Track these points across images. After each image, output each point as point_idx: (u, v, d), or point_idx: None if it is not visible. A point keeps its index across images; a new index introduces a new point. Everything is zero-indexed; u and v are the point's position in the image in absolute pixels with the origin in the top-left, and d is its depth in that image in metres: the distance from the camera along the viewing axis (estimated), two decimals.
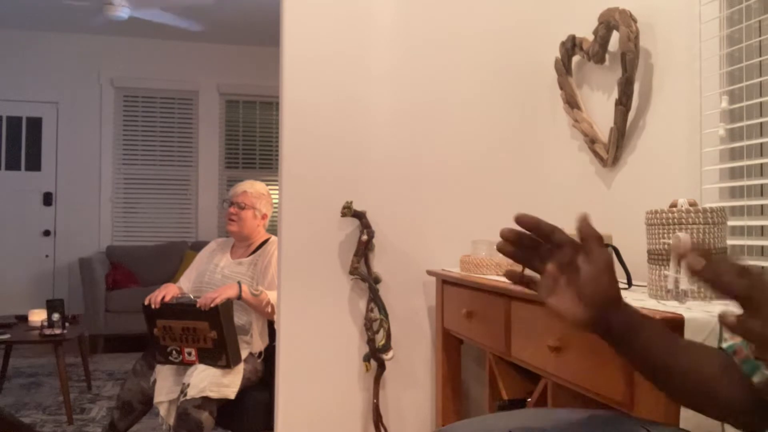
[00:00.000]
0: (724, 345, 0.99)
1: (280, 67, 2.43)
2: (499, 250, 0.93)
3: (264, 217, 3.02)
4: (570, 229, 1.70)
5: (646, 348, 0.90)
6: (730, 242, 1.59)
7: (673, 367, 0.90)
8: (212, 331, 2.62)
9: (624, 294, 1.58)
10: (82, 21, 6.04)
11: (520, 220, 0.89)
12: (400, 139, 2.50)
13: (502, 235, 0.91)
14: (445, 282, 2.33)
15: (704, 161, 1.81)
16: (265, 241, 2.99)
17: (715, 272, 0.72)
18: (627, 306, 0.90)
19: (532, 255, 0.92)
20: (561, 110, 2.51)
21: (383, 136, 2.49)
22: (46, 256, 6.43)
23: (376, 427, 2.42)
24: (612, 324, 0.89)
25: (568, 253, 0.88)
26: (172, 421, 2.63)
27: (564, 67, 2.43)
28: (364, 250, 2.42)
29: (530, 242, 0.91)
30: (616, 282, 0.89)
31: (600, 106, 2.30)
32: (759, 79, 1.69)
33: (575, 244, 0.88)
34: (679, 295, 1.43)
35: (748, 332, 0.72)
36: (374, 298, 2.42)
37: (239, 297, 2.71)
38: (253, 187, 3.02)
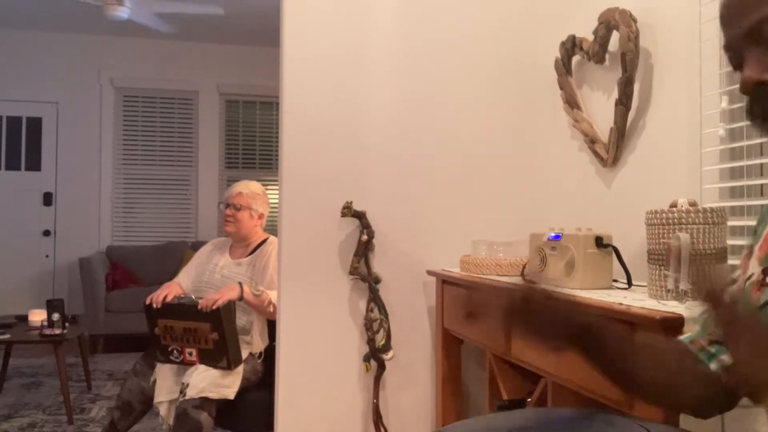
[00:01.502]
0: (683, 338, 1.04)
1: (280, 68, 2.43)
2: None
3: (261, 216, 3.02)
4: (570, 227, 1.69)
5: (609, 355, 0.99)
6: (730, 242, 1.59)
7: (632, 372, 0.99)
8: (213, 333, 2.62)
9: (624, 294, 1.58)
10: (82, 21, 6.03)
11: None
12: (400, 139, 2.50)
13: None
14: (445, 282, 2.33)
15: (704, 161, 1.81)
16: (264, 242, 2.99)
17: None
18: (589, 325, 0.99)
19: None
20: (561, 110, 2.51)
21: (383, 136, 2.49)
22: (46, 256, 6.43)
23: (376, 427, 2.42)
24: (583, 345, 0.98)
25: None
26: (172, 421, 2.63)
27: (564, 67, 2.43)
28: (364, 250, 2.42)
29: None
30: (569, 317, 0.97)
31: (600, 106, 2.30)
32: None
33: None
34: (679, 295, 1.43)
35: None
36: (374, 298, 2.42)
37: (241, 298, 2.71)
38: (248, 188, 3.02)
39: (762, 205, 1.03)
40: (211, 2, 5.18)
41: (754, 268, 0.95)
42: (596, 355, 0.99)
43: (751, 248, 0.98)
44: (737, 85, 1.73)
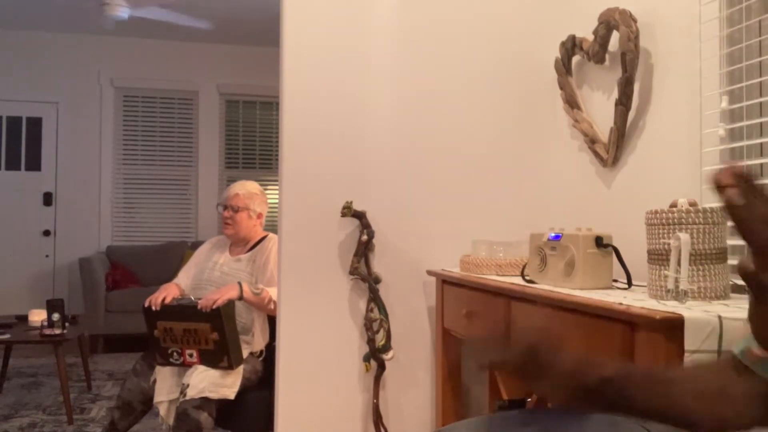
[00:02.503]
0: (736, 350, 0.96)
1: (280, 67, 2.43)
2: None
3: (260, 216, 3.02)
4: (570, 228, 1.69)
5: (644, 404, 0.91)
6: (730, 242, 1.59)
7: (670, 410, 0.90)
8: (214, 333, 2.61)
9: (624, 294, 1.58)
10: (82, 21, 6.04)
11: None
12: (401, 139, 2.50)
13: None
14: (445, 282, 2.33)
15: (704, 161, 1.81)
16: (263, 238, 2.99)
17: (748, 214, 0.70)
18: (612, 374, 0.91)
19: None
20: (561, 110, 2.51)
21: (383, 136, 2.49)
22: (46, 256, 6.43)
23: (376, 427, 2.42)
24: (602, 401, 0.91)
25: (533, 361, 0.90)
26: (172, 421, 2.63)
27: (564, 67, 2.43)
28: (364, 250, 2.42)
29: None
30: (585, 370, 0.90)
31: (600, 106, 2.30)
32: (759, 79, 1.69)
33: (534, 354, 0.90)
34: (679, 295, 1.43)
35: (759, 285, 0.72)
36: (374, 298, 2.42)
37: (241, 297, 2.71)
38: (244, 188, 3.01)
39: None
40: (200, 16, 5.22)
41: None
42: (624, 405, 0.92)
43: None
44: (737, 85, 1.73)
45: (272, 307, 2.72)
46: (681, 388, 0.91)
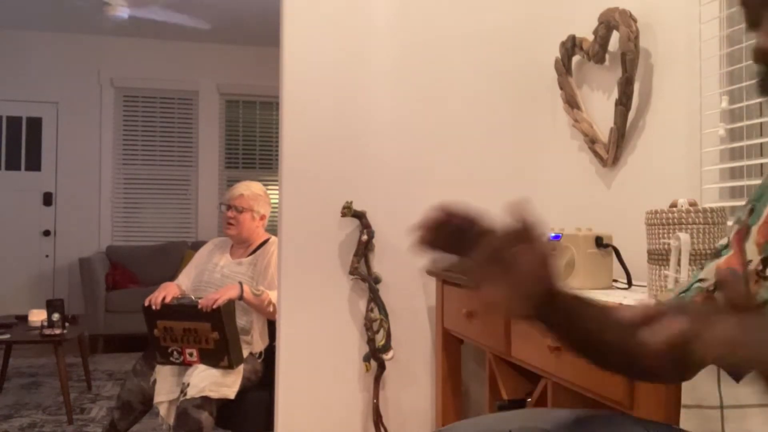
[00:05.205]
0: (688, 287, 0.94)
1: (280, 67, 2.43)
2: (421, 241, 0.86)
3: (262, 217, 3.01)
4: (570, 227, 1.69)
5: (582, 331, 0.89)
6: None
7: (604, 345, 0.88)
8: (214, 332, 2.61)
9: (624, 294, 1.58)
10: (82, 21, 6.04)
11: (443, 208, 0.84)
12: (401, 138, 2.50)
13: (421, 225, 0.85)
14: (445, 282, 2.33)
15: (704, 161, 1.81)
16: (265, 241, 2.99)
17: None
18: (564, 295, 0.87)
19: (457, 243, 0.85)
20: (561, 110, 2.51)
21: (383, 136, 2.49)
22: (46, 256, 6.43)
23: (376, 427, 2.42)
24: (550, 316, 0.87)
25: (501, 242, 0.83)
26: (172, 421, 2.63)
27: (564, 67, 2.43)
28: (364, 250, 2.42)
29: (454, 229, 0.85)
30: (554, 275, 0.85)
31: (600, 106, 2.30)
32: None
33: (509, 233, 0.83)
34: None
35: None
36: (374, 298, 2.42)
37: (241, 297, 2.71)
38: (249, 189, 3.01)
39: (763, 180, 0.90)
40: (200, 16, 5.22)
41: (753, 255, 0.85)
42: (569, 334, 0.90)
43: (746, 227, 0.86)
44: (737, 85, 1.73)
45: (271, 310, 2.72)
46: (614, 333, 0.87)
